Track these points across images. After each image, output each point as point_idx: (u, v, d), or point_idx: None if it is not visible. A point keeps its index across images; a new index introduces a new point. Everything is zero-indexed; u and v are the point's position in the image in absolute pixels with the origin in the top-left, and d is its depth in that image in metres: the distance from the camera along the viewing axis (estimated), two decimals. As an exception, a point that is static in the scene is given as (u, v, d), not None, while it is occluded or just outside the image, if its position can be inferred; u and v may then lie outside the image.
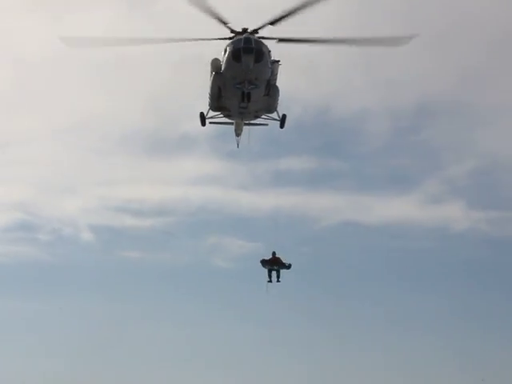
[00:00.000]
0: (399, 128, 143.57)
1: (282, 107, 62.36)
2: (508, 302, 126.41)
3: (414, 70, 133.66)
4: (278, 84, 60.54)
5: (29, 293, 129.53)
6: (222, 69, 58.53)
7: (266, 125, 65.17)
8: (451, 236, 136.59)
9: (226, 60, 57.73)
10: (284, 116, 61.78)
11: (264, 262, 66.81)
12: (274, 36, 57.85)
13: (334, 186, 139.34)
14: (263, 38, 57.72)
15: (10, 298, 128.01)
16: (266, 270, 66.85)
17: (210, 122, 64.09)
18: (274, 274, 66.91)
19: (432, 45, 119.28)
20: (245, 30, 58.22)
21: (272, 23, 56.81)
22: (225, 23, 57.30)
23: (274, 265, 66.72)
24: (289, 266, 66.71)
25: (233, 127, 68.04)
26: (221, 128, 68.21)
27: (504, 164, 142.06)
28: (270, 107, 61.18)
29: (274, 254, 66.71)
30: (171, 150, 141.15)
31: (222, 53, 58.95)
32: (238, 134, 68.61)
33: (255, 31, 58.07)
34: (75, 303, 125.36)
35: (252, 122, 65.03)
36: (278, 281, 66.81)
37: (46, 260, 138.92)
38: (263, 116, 62.73)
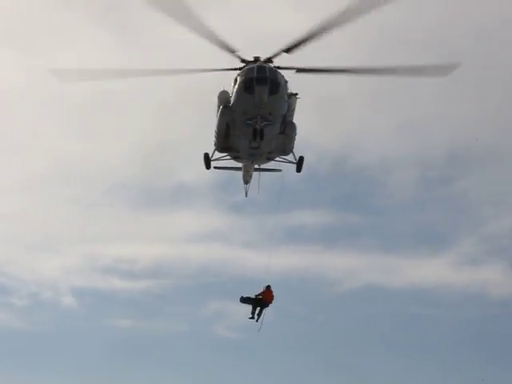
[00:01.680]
0: (429, 178, 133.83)
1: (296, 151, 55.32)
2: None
3: (446, 111, 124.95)
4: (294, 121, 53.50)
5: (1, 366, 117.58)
6: (232, 102, 51.66)
7: (280, 170, 58.33)
8: (490, 303, 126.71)
9: (237, 91, 50.73)
10: (301, 158, 54.93)
11: (247, 300, 58.09)
12: (290, 66, 50.77)
13: (354, 244, 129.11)
14: (279, 67, 50.79)
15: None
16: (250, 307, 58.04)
17: (215, 167, 57.17)
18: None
19: (466, 81, 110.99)
20: (257, 59, 51.21)
21: (287, 51, 49.84)
22: (232, 51, 50.25)
23: (261, 305, 57.92)
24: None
25: (240, 173, 61.00)
26: (224, 175, 61.51)
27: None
28: (286, 147, 54.19)
29: (268, 287, 57.96)
30: (166, 202, 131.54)
31: (232, 83, 52.12)
32: (246, 181, 61.69)
33: (269, 60, 51.07)
34: (54, 378, 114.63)
35: (263, 166, 58.21)
36: (257, 320, 57.91)
37: (22, 328, 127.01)
38: (277, 158, 55.76)
